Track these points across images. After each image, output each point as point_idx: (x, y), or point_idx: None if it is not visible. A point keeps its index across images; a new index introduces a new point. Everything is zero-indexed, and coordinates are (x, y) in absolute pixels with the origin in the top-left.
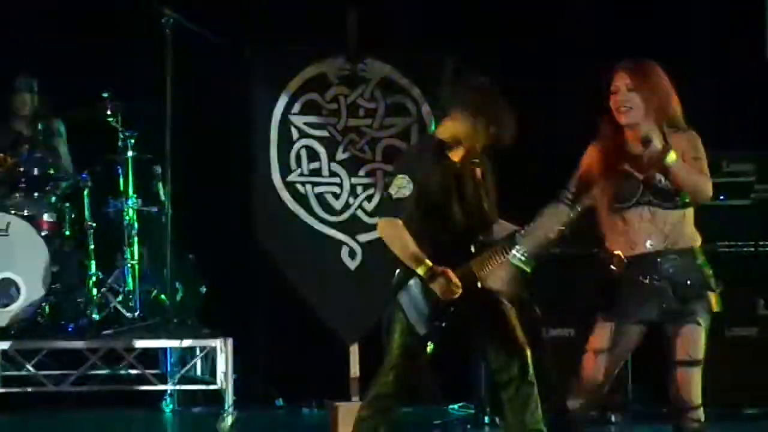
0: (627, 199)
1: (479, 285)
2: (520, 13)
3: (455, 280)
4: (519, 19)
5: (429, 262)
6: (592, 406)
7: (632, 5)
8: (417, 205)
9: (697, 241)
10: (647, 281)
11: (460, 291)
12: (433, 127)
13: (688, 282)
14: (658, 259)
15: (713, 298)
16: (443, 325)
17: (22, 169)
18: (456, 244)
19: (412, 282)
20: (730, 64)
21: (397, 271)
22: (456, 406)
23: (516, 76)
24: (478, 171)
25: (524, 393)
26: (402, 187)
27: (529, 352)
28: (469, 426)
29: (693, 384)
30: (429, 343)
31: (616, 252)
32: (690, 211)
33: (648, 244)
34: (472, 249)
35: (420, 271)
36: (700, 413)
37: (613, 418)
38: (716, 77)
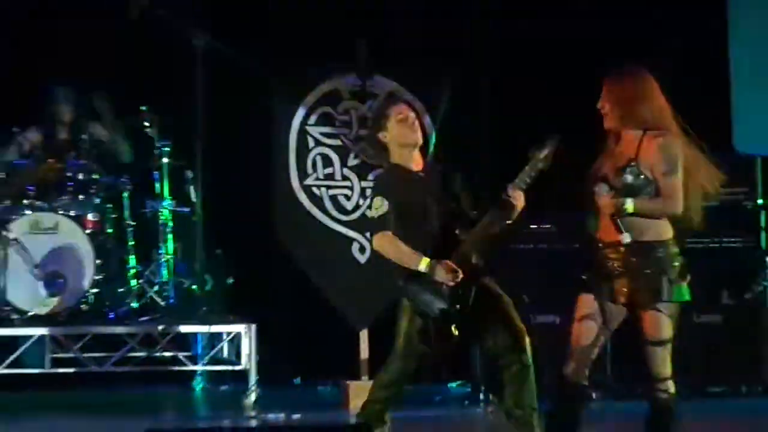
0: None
1: (474, 263)
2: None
3: (453, 266)
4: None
5: (426, 258)
6: (583, 369)
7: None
8: (396, 217)
9: (667, 234)
10: (614, 267)
11: (461, 274)
12: (433, 138)
13: (647, 272)
14: (621, 248)
15: (677, 287)
16: (458, 307)
17: (68, 174)
18: (436, 242)
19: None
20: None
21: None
22: (454, 384)
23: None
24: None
25: (522, 374)
26: (379, 206)
27: (527, 338)
28: (466, 402)
29: (660, 360)
30: (453, 326)
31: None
32: (636, 208)
33: (619, 235)
34: (454, 242)
35: (421, 266)
36: (669, 384)
37: (593, 396)
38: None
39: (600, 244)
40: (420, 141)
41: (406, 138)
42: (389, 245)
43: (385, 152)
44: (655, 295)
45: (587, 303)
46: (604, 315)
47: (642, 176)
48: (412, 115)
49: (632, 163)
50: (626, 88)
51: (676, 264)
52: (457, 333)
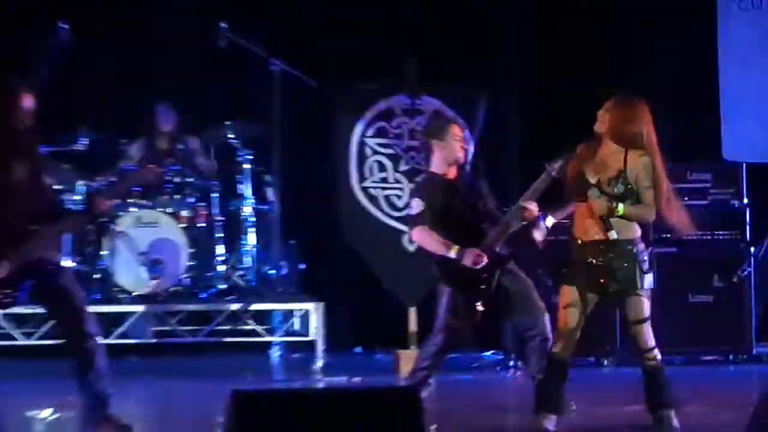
0: (581, 196)
1: (497, 252)
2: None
3: (479, 252)
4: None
5: (456, 246)
6: (569, 348)
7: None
8: (431, 216)
9: (636, 233)
10: (595, 262)
11: (485, 259)
12: (471, 147)
13: (626, 265)
14: (601, 246)
15: (648, 276)
16: (482, 287)
17: (167, 178)
18: (465, 235)
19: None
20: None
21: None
22: (488, 353)
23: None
24: (467, 177)
25: (543, 345)
26: (416, 206)
27: (546, 315)
28: (498, 368)
29: (645, 335)
30: (478, 304)
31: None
32: (625, 212)
33: (594, 233)
34: (480, 235)
35: (452, 253)
36: (655, 353)
37: (604, 362)
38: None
39: (579, 242)
40: (462, 160)
41: (455, 155)
42: (426, 237)
43: (430, 157)
44: (634, 283)
45: (570, 293)
46: (584, 302)
47: (629, 186)
48: (464, 136)
49: (622, 175)
50: (625, 111)
51: (645, 258)
52: (481, 310)
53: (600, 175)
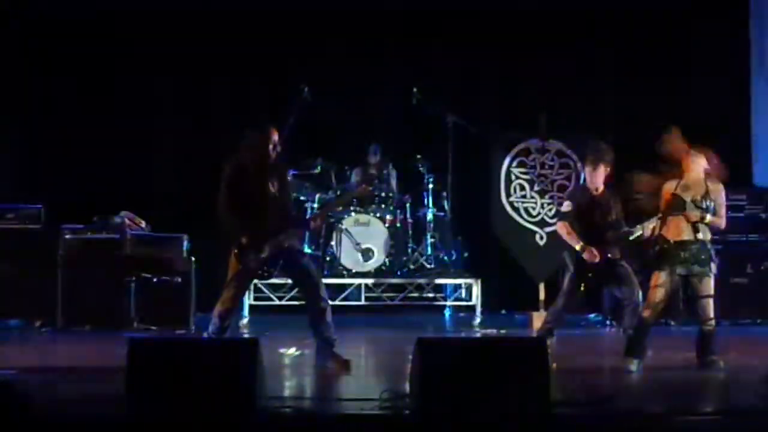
0: (678, 209)
1: (609, 255)
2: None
3: (596, 251)
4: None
5: (582, 242)
6: (655, 316)
7: None
8: (575, 216)
9: (710, 236)
10: (684, 255)
11: (598, 257)
12: (582, 177)
13: (703, 257)
14: (690, 244)
15: (713, 266)
16: (590, 275)
17: (375, 193)
18: (595, 235)
19: (566, 254)
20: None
21: (565, 252)
22: (592, 316)
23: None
24: (609, 195)
25: (635, 309)
26: (567, 206)
27: (638, 290)
28: (598, 326)
29: (709, 307)
30: (582, 285)
31: (667, 236)
32: (710, 220)
33: (686, 235)
34: (603, 237)
35: (577, 247)
36: (712, 322)
37: (672, 323)
38: None
39: (672, 242)
40: (601, 187)
41: (599, 183)
42: (564, 229)
43: (590, 174)
44: (709, 269)
45: (660, 277)
46: (670, 284)
47: (712, 203)
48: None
49: (709, 195)
50: (706, 153)
51: (713, 252)
52: (583, 289)
53: (691, 194)
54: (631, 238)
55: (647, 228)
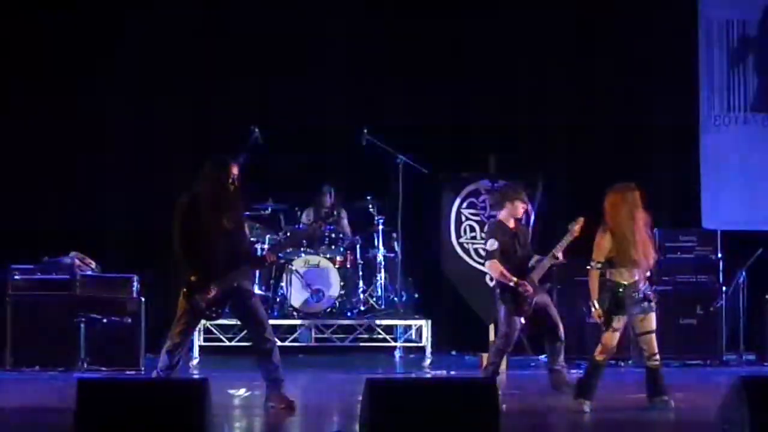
0: None
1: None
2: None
3: (528, 286)
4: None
5: (515, 278)
6: (608, 358)
7: None
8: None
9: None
10: (635, 294)
11: (531, 289)
12: (532, 216)
13: (649, 293)
14: (637, 284)
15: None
16: (525, 308)
17: (326, 234)
18: (518, 270)
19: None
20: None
21: (497, 290)
22: (543, 357)
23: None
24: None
25: (560, 347)
26: (491, 245)
27: (561, 327)
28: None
29: (654, 342)
30: (522, 320)
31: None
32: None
33: (635, 276)
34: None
35: (512, 283)
36: (657, 357)
37: (622, 364)
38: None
39: (624, 284)
40: (520, 216)
41: (517, 215)
42: (496, 268)
43: (500, 209)
44: (652, 306)
45: (620, 320)
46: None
47: None
48: (527, 209)
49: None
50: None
51: (653, 289)
52: (523, 322)
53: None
54: (548, 264)
55: (558, 252)
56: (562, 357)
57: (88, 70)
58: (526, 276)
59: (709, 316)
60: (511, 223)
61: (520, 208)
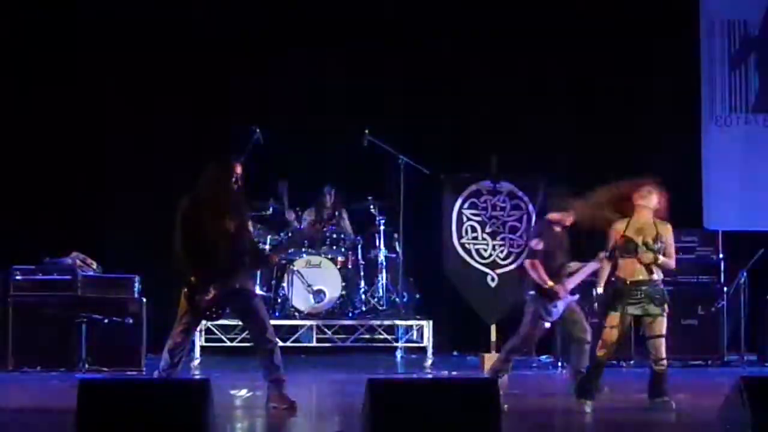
0: (631, 252)
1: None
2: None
3: (563, 292)
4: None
5: (551, 282)
6: (609, 355)
7: None
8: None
9: (661, 276)
10: (640, 294)
11: (562, 295)
12: (533, 217)
13: (657, 297)
14: (643, 284)
15: (666, 305)
16: (554, 310)
17: (327, 234)
18: (555, 274)
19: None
20: None
21: (531, 289)
22: (544, 357)
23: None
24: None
25: (586, 349)
26: (538, 244)
27: (588, 329)
28: (550, 367)
29: (662, 346)
30: (547, 324)
31: (621, 277)
32: (662, 262)
33: (640, 275)
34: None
35: (547, 285)
36: (664, 361)
37: (623, 364)
38: None
39: (627, 282)
40: (567, 225)
41: (566, 223)
42: (535, 268)
43: (554, 211)
44: (663, 309)
45: (615, 318)
46: (624, 324)
47: (663, 245)
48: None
49: (660, 237)
50: (662, 195)
51: (666, 292)
52: (548, 326)
53: (642, 236)
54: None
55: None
56: (586, 359)
57: (88, 70)
58: (562, 282)
59: (710, 317)
60: (558, 228)
61: (571, 218)
